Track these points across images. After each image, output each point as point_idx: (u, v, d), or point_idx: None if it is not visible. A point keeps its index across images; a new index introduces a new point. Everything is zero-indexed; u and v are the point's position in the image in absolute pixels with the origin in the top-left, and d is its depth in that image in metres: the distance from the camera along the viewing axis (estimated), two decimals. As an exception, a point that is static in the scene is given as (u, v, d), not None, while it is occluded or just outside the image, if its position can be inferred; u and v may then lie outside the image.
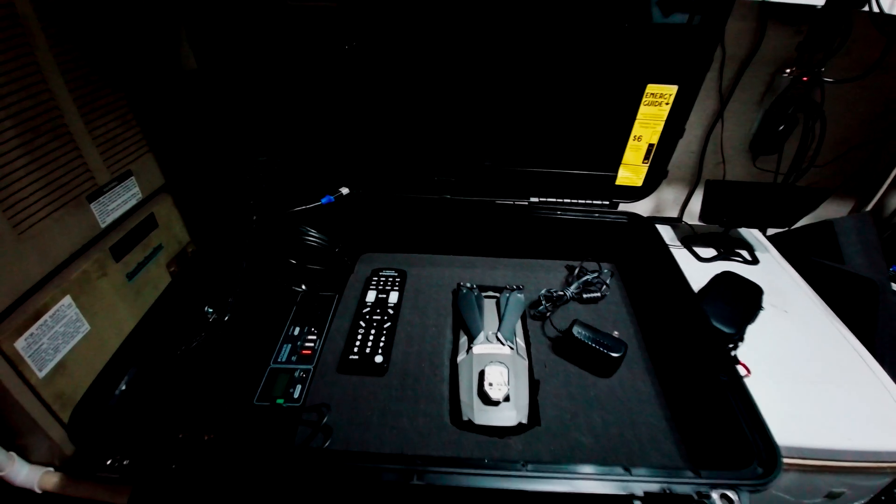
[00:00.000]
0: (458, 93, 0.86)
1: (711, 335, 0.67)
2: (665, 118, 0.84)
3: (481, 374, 0.72)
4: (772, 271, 1.22)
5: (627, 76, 0.80)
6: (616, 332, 0.78)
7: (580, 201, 0.93)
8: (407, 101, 0.89)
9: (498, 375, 0.71)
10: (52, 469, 0.87)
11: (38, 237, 0.80)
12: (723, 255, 1.25)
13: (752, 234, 1.36)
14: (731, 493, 0.49)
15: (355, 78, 0.86)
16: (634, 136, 0.86)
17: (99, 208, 0.93)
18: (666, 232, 1.38)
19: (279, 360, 0.80)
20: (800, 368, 0.94)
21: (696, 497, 0.49)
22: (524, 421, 0.69)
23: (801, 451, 0.83)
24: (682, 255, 1.28)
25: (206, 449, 0.55)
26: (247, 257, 0.85)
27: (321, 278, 0.92)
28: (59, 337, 0.84)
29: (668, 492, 0.50)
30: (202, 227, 1.10)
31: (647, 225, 0.91)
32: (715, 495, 0.49)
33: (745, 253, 1.26)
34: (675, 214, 1.54)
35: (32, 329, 0.78)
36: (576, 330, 0.77)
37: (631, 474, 0.51)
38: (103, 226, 0.94)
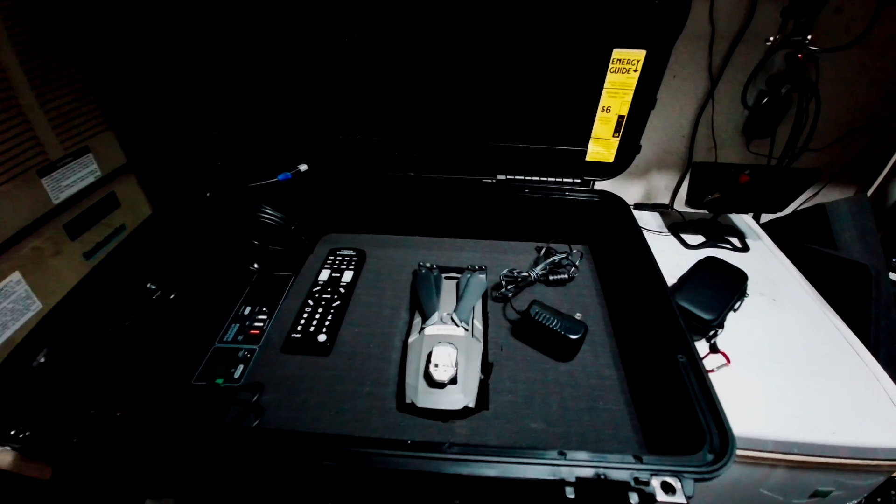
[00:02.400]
0: (419, 63, 0.82)
1: (673, 316, 0.62)
2: (634, 87, 0.78)
3: (429, 355, 0.68)
4: (763, 259, 1.16)
5: (592, 40, 0.75)
6: (579, 315, 0.74)
7: (550, 179, 0.88)
8: (367, 72, 0.84)
9: (445, 357, 0.67)
10: (8, 448, 0.85)
11: (-18, 210, 0.78)
12: (711, 242, 1.19)
13: (744, 221, 1.30)
14: (672, 481, 0.44)
15: (314, 50, 0.82)
16: (603, 108, 0.81)
17: (51, 184, 0.90)
18: (654, 219, 1.32)
19: (225, 339, 0.77)
20: (786, 359, 0.89)
21: (633, 483, 0.44)
22: (471, 405, 0.64)
23: (787, 445, 0.78)
24: (669, 242, 1.22)
25: (116, 425, 0.52)
26: (197, 234, 0.81)
27: (277, 257, 0.89)
28: (7, 313, 0.81)
29: (602, 477, 0.45)
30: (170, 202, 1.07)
31: (620, 203, 0.86)
32: (655, 482, 0.45)
33: (734, 240, 1.20)
34: (666, 201, 1.48)
35: (-24, 303, 0.76)
36: (533, 310, 0.72)
37: (565, 458, 0.47)
38: (56, 202, 0.91)
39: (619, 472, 0.45)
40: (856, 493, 0.89)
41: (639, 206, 1.35)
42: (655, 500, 0.44)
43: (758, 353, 0.89)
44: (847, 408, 0.80)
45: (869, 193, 1.34)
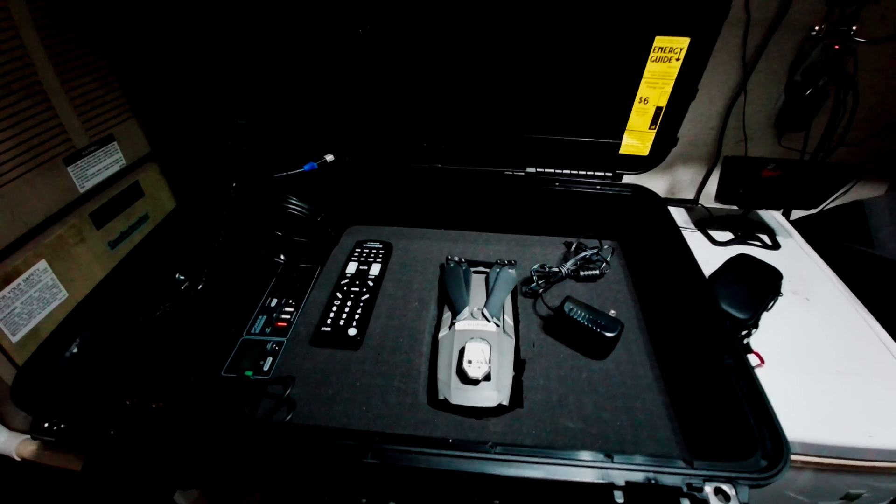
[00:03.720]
0: (447, 50, 0.79)
1: (718, 317, 0.60)
2: (675, 76, 0.75)
3: (461, 351, 0.67)
4: (794, 256, 1.13)
5: (632, 27, 0.72)
6: (613, 312, 0.72)
7: (581, 172, 0.85)
8: (395, 60, 0.82)
9: (479, 353, 0.65)
10: (30, 437, 0.85)
11: (9, 198, 0.77)
12: (740, 239, 1.16)
13: (774, 218, 1.27)
14: (727, 487, 0.43)
15: (341, 38, 0.81)
16: (641, 98, 0.78)
17: (77, 172, 0.89)
18: (680, 215, 1.30)
19: (252, 331, 0.76)
20: (820, 360, 0.86)
21: (685, 490, 0.43)
22: (505, 402, 0.63)
23: (817, 447, 0.76)
24: (696, 239, 1.19)
25: (152, 417, 0.51)
26: (224, 224, 0.80)
27: (303, 249, 0.88)
28: (34, 302, 0.81)
29: (653, 482, 0.43)
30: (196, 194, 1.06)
31: (654, 198, 0.84)
32: (708, 489, 0.43)
33: (765, 237, 1.17)
34: (691, 196, 1.45)
35: (4, 292, 0.76)
36: (567, 307, 0.71)
37: (613, 461, 0.45)
38: (82, 191, 0.91)
39: (671, 477, 0.44)
40: (885, 495, 0.88)
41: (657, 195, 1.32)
42: (710, 507, 0.42)
43: (791, 354, 0.87)
44: (881, 410, 0.78)
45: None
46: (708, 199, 1.40)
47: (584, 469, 0.45)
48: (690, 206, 1.31)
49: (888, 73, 1.15)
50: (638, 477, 0.44)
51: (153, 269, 0.73)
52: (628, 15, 0.71)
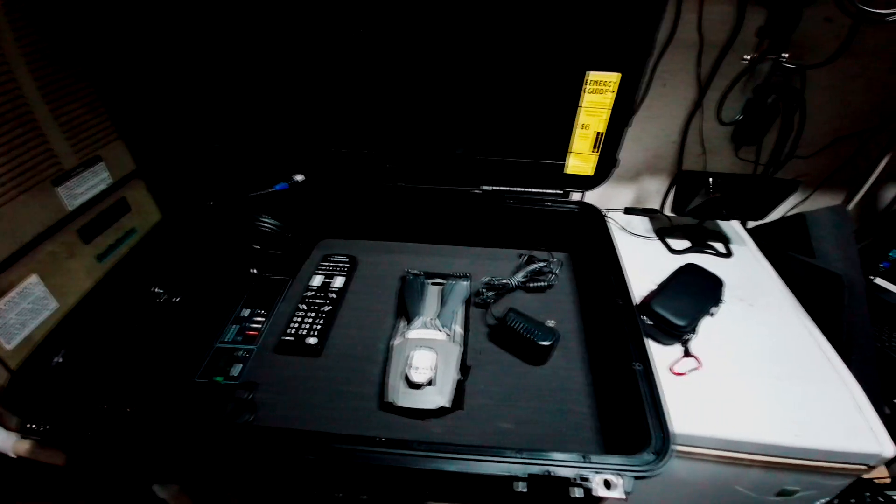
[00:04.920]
0: (407, 81, 0.86)
1: (635, 326, 0.67)
2: (610, 107, 0.82)
3: (409, 359, 0.73)
4: (745, 265, 1.19)
5: (568, 63, 0.79)
6: (552, 322, 0.78)
7: (533, 190, 0.92)
8: (359, 88, 0.89)
9: (424, 359, 0.72)
10: (28, 438, 0.92)
11: (2, 218, 0.84)
12: (696, 248, 1.22)
13: (732, 227, 1.33)
14: (613, 478, 0.50)
15: (309, 68, 0.87)
16: (581, 125, 0.85)
17: (66, 192, 0.96)
18: (643, 223, 1.36)
19: (225, 339, 0.83)
20: (758, 364, 0.92)
21: (577, 480, 0.50)
22: (446, 405, 0.70)
23: (748, 445, 0.82)
24: (655, 247, 1.26)
25: (125, 419, 0.58)
26: (200, 241, 0.88)
27: (275, 263, 0.95)
28: (27, 313, 0.88)
29: (550, 475, 0.50)
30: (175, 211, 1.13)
31: (596, 214, 0.90)
32: (598, 479, 0.50)
33: (719, 246, 1.24)
34: (657, 205, 1.51)
35: (0, 304, 0.83)
36: (509, 318, 0.77)
37: (519, 456, 0.52)
38: (70, 209, 0.98)
39: (566, 469, 0.51)
40: (825, 492, 0.93)
41: (629, 211, 1.38)
42: (599, 496, 0.49)
43: (730, 357, 0.92)
44: (812, 412, 0.83)
45: (857, 200, 1.35)
46: (670, 208, 1.47)
47: (494, 464, 0.52)
48: (654, 215, 1.37)
49: (840, 90, 1.21)
50: (537, 470, 0.51)
51: (133, 284, 0.80)
52: (565, 53, 0.78)
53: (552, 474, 0.50)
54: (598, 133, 0.85)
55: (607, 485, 0.49)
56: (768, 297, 1.08)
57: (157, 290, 0.82)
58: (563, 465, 0.51)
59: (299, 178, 0.96)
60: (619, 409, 0.65)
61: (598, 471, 0.50)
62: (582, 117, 0.84)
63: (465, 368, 0.76)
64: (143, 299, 0.80)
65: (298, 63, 0.87)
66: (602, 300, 0.78)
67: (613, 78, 0.79)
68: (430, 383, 0.71)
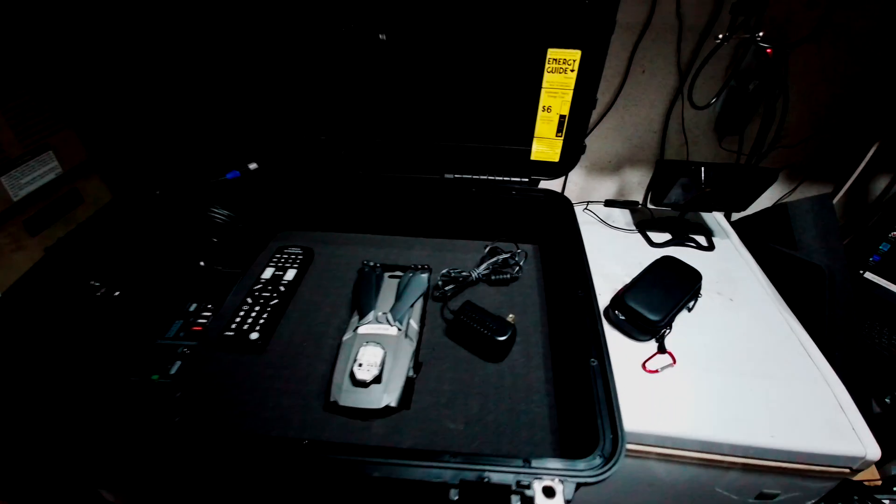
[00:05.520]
0: (365, 63, 0.82)
1: (594, 321, 0.62)
2: (573, 87, 0.77)
3: (356, 355, 0.69)
4: (726, 258, 1.15)
5: (527, 40, 0.74)
6: (511, 316, 0.74)
7: (498, 178, 0.87)
8: (315, 71, 0.85)
9: (371, 356, 0.67)
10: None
11: (-62, 207, 0.80)
12: (676, 241, 1.18)
13: (714, 219, 1.28)
14: (553, 484, 0.45)
15: (262, 50, 0.83)
16: (543, 107, 0.80)
17: (10, 181, 0.92)
18: (624, 216, 1.31)
19: (167, 335, 0.78)
20: (736, 359, 0.88)
21: (514, 487, 0.45)
22: (393, 404, 0.65)
23: (717, 446, 0.77)
24: (635, 240, 1.21)
25: (53, 421, 0.54)
26: (145, 231, 0.83)
27: (227, 255, 0.90)
28: (-28, 307, 0.84)
29: (486, 480, 0.46)
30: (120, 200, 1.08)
31: (565, 203, 0.86)
32: (537, 486, 0.45)
33: (701, 238, 1.19)
34: (640, 197, 1.46)
35: (-59, 300, 0.78)
36: (464, 311, 0.73)
37: (452, 461, 0.47)
38: (15, 199, 0.93)
39: (504, 475, 0.46)
40: (808, 495, 0.88)
41: (609, 203, 1.34)
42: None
43: (707, 353, 0.88)
44: (792, 411, 0.79)
45: (844, 190, 1.31)
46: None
47: (423, 469, 0.47)
48: (635, 207, 1.33)
49: (826, 77, 1.17)
50: (472, 476, 0.46)
51: (67, 277, 0.75)
52: (523, 29, 0.73)
53: (488, 480, 0.45)
54: (562, 116, 0.81)
55: (547, 492, 0.44)
56: (749, 291, 1.04)
57: (94, 283, 0.77)
58: (501, 470, 0.46)
59: (253, 166, 0.91)
60: (574, 408, 0.60)
61: (538, 476, 0.45)
62: (544, 98, 0.79)
63: (417, 365, 0.72)
64: (79, 293, 0.75)
65: (250, 43, 0.83)
66: (565, 293, 0.74)
67: (574, 55, 0.74)
68: (376, 381, 0.66)
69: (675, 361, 0.86)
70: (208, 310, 0.83)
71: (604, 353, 0.57)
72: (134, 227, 0.86)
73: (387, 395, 0.65)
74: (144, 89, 0.93)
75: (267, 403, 0.67)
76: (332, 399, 0.66)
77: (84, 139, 1.05)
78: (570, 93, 0.78)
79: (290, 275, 0.86)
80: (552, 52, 0.74)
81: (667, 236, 1.20)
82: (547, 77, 0.77)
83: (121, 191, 1.10)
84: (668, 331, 0.90)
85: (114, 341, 0.76)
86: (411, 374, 0.70)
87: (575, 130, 0.82)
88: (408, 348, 0.72)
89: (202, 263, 0.87)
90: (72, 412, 0.63)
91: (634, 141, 1.35)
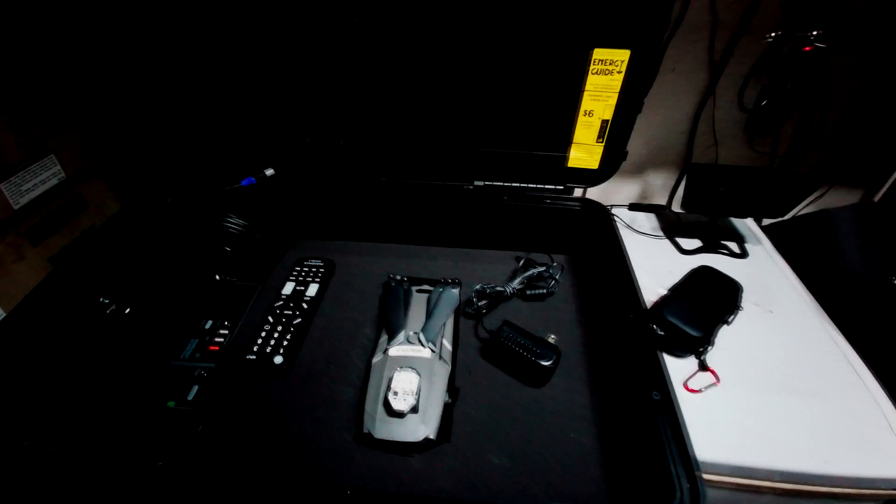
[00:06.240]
0: (391, 62, 0.76)
1: (651, 346, 0.57)
2: (619, 89, 0.72)
3: (390, 381, 0.64)
4: (761, 266, 1.10)
5: (570, 38, 0.68)
6: (553, 337, 0.69)
7: (531, 185, 0.82)
8: (337, 72, 0.79)
9: (406, 383, 0.63)
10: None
11: (-67, 215, 0.75)
12: (708, 247, 1.13)
13: (745, 224, 1.23)
14: (630, 546, 0.40)
15: (280, 48, 0.77)
16: (585, 111, 0.74)
17: (10, 188, 0.86)
18: (650, 221, 1.26)
19: (182, 356, 0.73)
20: (779, 378, 0.83)
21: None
22: (432, 436, 0.60)
23: (770, 472, 0.73)
24: (663, 247, 1.16)
25: (48, 460, 0.49)
26: (156, 244, 0.77)
27: (242, 267, 0.85)
28: (-29, 321, 0.78)
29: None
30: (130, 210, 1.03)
31: (602, 212, 0.80)
32: (611, 547, 0.40)
33: (733, 245, 1.14)
34: (664, 201, 1.41)
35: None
36: (503, 332, 0.68)
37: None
38: (16, 207, 0.88)
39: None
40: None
41: (634, 207, 1.28)
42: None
43: (749, 371, 0.83)
44: (841, 433, 0.75)
45: (878, 196, 1.26)
46: (679, 204, 1.37)
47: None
48: (661, 211, 1.28)
49: (864, 78, 1.11)
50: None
51: (75, 293, 0.70)
52: (566, 26, 0.67)
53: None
54: (604, 121, 0.75)
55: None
56: (788, 301, 0.99)
57: (104, 300, 0.71)
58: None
59: (269, 172, 0.85)
60: (631, 443, 0.56)
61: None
62: (585, 102, 0.73)
63: (453, 390, 0.67)
64: (88, 311, 0.69)
65: (269, 43, 0.77)
66: (609, 312, 0.69)
67: (622, 56, 0.68)
68: (413, 410, 0.61)
69: (718, 381, 0.82)
70: (225, 327, 0.78)
71: (667, 385, 0.52)
72: (144, 238, 0.80)
73: (425, 427, 0.61)
74: (151, 87, 0.87)
75: (293, 434, 0.62)
76: (365, 430, 0.61)
77: (87, 142, 0.99)
78: (615, 96, 0.72)
79: (313, 290, 0.80)
80: (598, 53, 0.68)
81: (697, 243, 1.15)
82: (590, 79, 0.71)
83: (128, 196, 1.05)
84: (710, 347, 0.85)
85: (125, 363, 0.71)
86: (447, 399, 0.65)
87: (617, 136, 0.76)
88: (443, 372, 0.67)
89: (217, 277, 0.82)
90: (83, 445, 0.58)
91: (658, 142, 1.30)
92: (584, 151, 0.79)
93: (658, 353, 0.57)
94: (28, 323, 0.65)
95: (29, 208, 0.91)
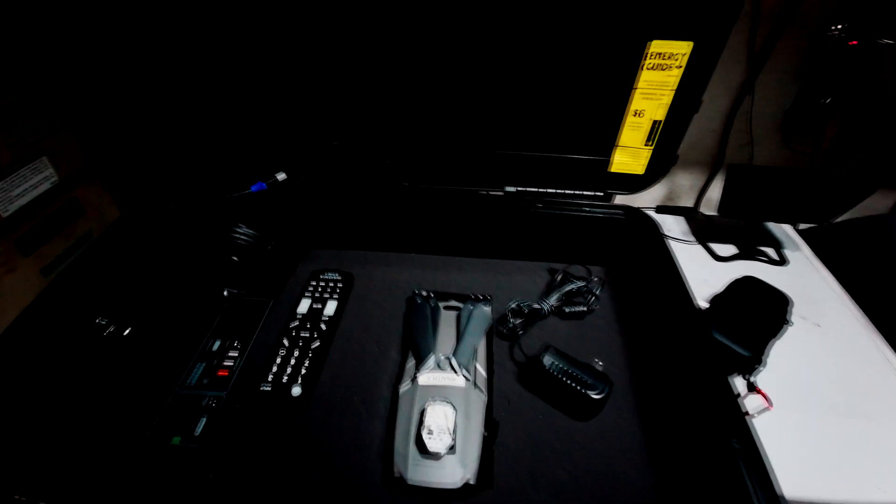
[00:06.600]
0: (414, 56, 0.68)
1: (722, 382, 0.50)
2: (675, 87, 0.64)
3: (422, 415, 0.57)
4: (803, 274, 1.03)
5: (623, 29, 0.61)
6: (600, 363, 0.62)
7: (567, 192, 0.75)
8: (354, 67, 0.71)
9: (441, 418, 0.56)
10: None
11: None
12: (744, 254, 1.06)
13: (782, 229, 1.16)
14: None
15: (293, 43, 0.69)
16: (634, 112, 0.67)
17: (-1, 195, 0.79)
18: (678, 224, 1.19)
19: (188, 383, 0.67)
20: (829, 398, 0.77)
21: None
22: (472, 480, 0.54)
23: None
24: (696, 253, 1.09)
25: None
26: (157, 256, 0.70)
27: (252, 281, 0.78)
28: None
29: None
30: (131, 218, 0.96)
31: (648, 223, 0.73)
32: None
33: (770, 251, 1.07)
34: (690, 203, 1.34)
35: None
36: (547, 360, 0.61)
37: None
38: (5, 215, 0.81)
39: None
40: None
41: (661, 210, 1.21)
42: None
43: (797, 391, 0.77)
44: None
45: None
46: (708, 206, 1.30)
47: None
48: (690, 214, 1.20)
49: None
50: None
51: (69, 312, 0.63)
52: (618, 15, 0.60)
53: None
54: (655, 122, 0.68)
55: None
56: (835, 314, 0.93)
57: (101, 320, 0.64)
58: None
59: (281, 176, 0.78)
60: (699, 489, 0.49)
61: None
62: (636, 101, 0.66)
63: (491, 423, 0.60)
64: (83, 334, 0.62)
65: (280, 38, 0.69)
66: (661, 335, 0.62)
67: (683, 49, 0.61)
68: (450, 450, 0.54)
69: (770, 405, 0.75)
70: (234, 348, 0.71)
71: (749, 431, 0.46)
72: (144, 249, 0.73)
73: (464, 469, 0.54)
74: (151, 83, 0.79)
75: (316, 477, 0.56)
76: (396, 474, 0.55)
77: (83, 142, 0.92)
78: (670, 94, 0.65)
79: (331, 308, 0.73)
80: (655, 45, 0.61)
81: (732, 249, 1.08)
82: (644, 75, 0.64)
83: (126, 200, 0.98)
84: (760, 368, 0.79)
85: (125, 393, 0.64)
86: (484, 432, 0.59)
87: (669, 139, 0.69)
88: (479, 403, 0.61)
89: (225, 292, 0.75)
90: (78, 497, 0.51)
91: (687, 141, 1.21)
92: (629, 155, 0.72)
93: (734, 396, 0.50)
94: (15, 349, 0.58)
95: (20, 215, 0.84)
